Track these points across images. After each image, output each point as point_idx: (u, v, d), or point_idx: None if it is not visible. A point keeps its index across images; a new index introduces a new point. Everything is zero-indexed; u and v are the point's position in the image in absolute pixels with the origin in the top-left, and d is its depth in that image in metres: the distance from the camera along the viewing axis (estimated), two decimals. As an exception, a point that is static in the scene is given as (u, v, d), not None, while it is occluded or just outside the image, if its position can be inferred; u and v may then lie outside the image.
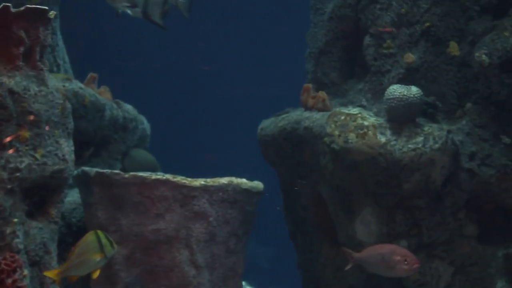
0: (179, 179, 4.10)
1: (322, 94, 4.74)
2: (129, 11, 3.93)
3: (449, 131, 4.27)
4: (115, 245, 3.59)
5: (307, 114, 4.73)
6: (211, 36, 8.09)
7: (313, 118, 4.61)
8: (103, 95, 5.34)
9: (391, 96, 4.25)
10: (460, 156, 4.30)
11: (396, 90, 4.25)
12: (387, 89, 4.32)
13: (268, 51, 7.98)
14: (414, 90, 4.26)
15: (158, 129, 6.04)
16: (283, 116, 4.93)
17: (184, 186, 4.08)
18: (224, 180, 4.19)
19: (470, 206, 4.36)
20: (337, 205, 4.56)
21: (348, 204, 4.48)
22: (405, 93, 4.22)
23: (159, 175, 4.09)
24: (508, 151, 4.32)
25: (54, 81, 3.76)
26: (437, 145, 4.19)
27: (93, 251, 3.52)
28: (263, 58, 8.06)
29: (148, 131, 5.63)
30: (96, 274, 3.56)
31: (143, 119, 5.56)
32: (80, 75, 5.42)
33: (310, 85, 4.86)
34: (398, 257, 3.93)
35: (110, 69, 7.48)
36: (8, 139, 3.44)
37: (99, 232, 3.58)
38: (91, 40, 7.72)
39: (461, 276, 4.37)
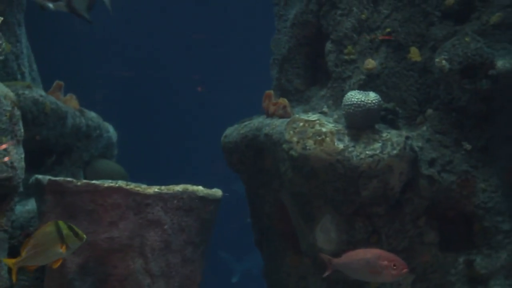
0: (132, 186, 4.05)
1: (283, 100, 4.70)
2: (50, 5, 3.86)
3: (408, 137, 4.22)
4: (83, 236, 3.57)
5: (267, 121, 4.69)
6: (177, 43, 8.05)
7: (273, 125, 4.57)
8: (68, 103, 5.30)
9: (349, 102, 4.20)
10: (419, 163, 4.25)
11: (354, 96, 4.20)
12: (345, 96, 4.27)
13: (236, 58, 7.94)
14: (372, 96, 4.21)
15: (128, 136, 6.00)
16: (246, 123, 4.88)
17: (137, 193, 4.03)
18: (179, 188, 4.13)
19: (431, 213, 4.31)
20: (298, 213, 4.51)
21: (308, 211, 4.42)
22: (362, 99, 4.18)
23: (112, 183, 4.03)
24: (469, 157, 4.28)
25: (2, 88, 3.71)
26: (395, 152, 4.14)
27: (52, 241, 3.50)
28: (232, 65, 8.03)
29: (115, 139, 5.58)
30: (56, 265, 3.56)
31: (108, 127, 5.51)
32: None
33: (272, 92, 4.81)
34: (385, 261, 3.80)
35: (82, 77, 7.46)
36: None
37: (60, 222, 3.56)
38: (63, 48, 7.68)
39: (421, 283, 4.32)
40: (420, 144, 4.28)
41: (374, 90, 4.44)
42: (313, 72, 4.93)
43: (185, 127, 8.01)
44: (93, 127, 5.22)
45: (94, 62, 7.81)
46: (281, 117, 4.64)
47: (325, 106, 4.68)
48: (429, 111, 4.39)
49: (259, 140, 4.67)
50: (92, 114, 5.31)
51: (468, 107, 4.25)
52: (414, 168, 4.23)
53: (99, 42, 7.77)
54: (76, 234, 3.56)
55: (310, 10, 4.79)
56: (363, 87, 4.51)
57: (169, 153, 7.92)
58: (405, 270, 3.79)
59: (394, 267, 3.78)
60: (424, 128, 4.37)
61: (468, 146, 4.29)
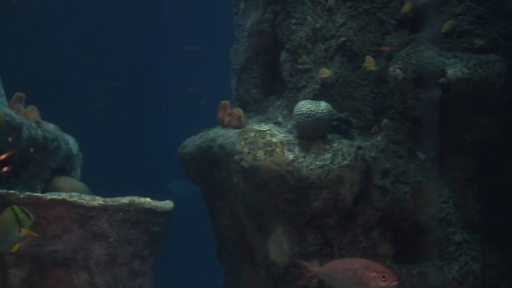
0: (76, 198, 3.98)
1: (238, 111, 4.64)
2: None
3: (359, 148, 4.15)
4: (31, 216, 3.62)
5: (222, 131, 4.63)
6: (142, 53, 8.01)
7: (227, 136, 4.51)
8: (29, 115, 5.23)
9: (299, 112, 4.14)
10: (372, 173, 4.18)
11: (304, 106, 4.15)
12: (296, 105, 4.21)
13: (201, 67, 7.89)
14: (322, 105, 4.15)
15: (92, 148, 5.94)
16: (202, 134, 4.83)
17: (81, 206, 3.96)
18: (125, 200, 4.07)
19: (385, 224, 4.24)
20: (251, 225, 4.44)
21: (260, 223, 4.36)
22: (312, 109, 4.12)
23: (55, 195, 3.97)
24: (423, 167, 4.22)
25: None
26: (345, 162, 4.07)
27: (12, 226, 3.56)
28: (198, 73, 7.98)
29: (75, 150, 5.51)
30: (15, 248, 3.61)
31: (68, 138, 5.44)
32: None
33: (227, 102, 4.76)
34: (374, 273, 3.60)
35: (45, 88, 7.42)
36: None
37: (16, 207, 3.61)
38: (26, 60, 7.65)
39: (375, 296, 4.23)
40: (373, 154, 4.22)
41: (328, 100, 4.39)
42: (271, 81, 4.88)
43: (152, 137, 7.94)
44: (50, 139, 5.15)
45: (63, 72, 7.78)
46: (235, 127, 4.58)
47: (280, 116, 4.63)
48: (385, 120, 4.33)
49: (214, 151, 4.62)
50: (50, 126, 5.24)
51: (422, 116, 4.19)
52: (366, 178, 4.16)
53: (62, 52, 7.74)
54: (28, 215, 3.62)
55: (265, 20, 4.74)
56: (317, 96, 4.46)
57: (134, 164, 7.85)
58: (395, 283, 3.59)
59: (383, 279, 3.61)
60: (379, 138, 4.31)
61: (422, 156, 4.22)
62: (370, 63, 4.42)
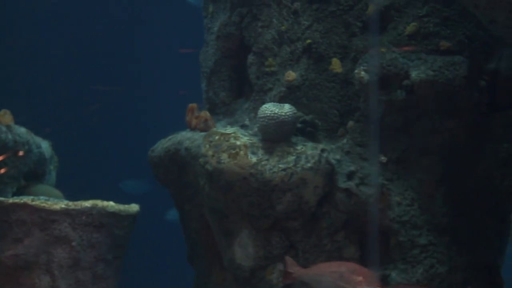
0: (38, 202, 3.97)
1: (205, 114, 4.64)
2: None
3: (323, 150, 4.15)
4: None
5: (189, 134, 4.63)
6: (114, 56, 7.99)
7: (193, 139, 4.51)
8: (2, 118, 5.23)
9: (262, 115, 4.14)
10: (336, 176, 4.17)
11: (268, 108, 4.14)
12: (260, 108, 4.21)
13: (175, 70, 7.87)
14: (286, 108, 4.15)
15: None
16: (170, 137, 4.82)
17: (43, 209, 3.96)
18: (88, 203, 4.06)
19: (351, 227, 4.22)
20: (217, 228, 4.43)
21: (226, 226, 4.35)
22: (276, 112, 4.11)
23: (17, 199, 3.96)
24: (384, 170, 4.21)
25: None
26: (309, 165, 4.06)
27: None
28: (170, 77, 7.96)
29: (48, 154, 5.49)
30: None
31: (40, 142, 5.42)
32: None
33: (195, 105, 4.75)
34: (360, 277, 3.56)
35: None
36: None
37: None
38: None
39: (339, 299, 4.22)
40: (338, 157, 4.21)
41: (295, 102, 4.39)
42: (239, 84, 4.87)
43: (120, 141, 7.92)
44: (21, 143, 5.13)
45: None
46: (202, 130, 4.58)
47: (247, 119, 4.62)
48: (350, 123, 4.33)
49: (181, 154, 4.61)
50: (21, 130, 5.22)
51: (384, 119, 4.18)
52: (330, 181, 4.15)
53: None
54: None
55: (232, 22, 4.73)
56: (283, 99, 4.45)
57: (107, 167, 7.82)
58: None
59: (367, 284, 3.58)
60: (345, 140, 4.31)
61: (383, 159, 4.21)
62: (336, 65, 4.42)
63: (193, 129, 4.66)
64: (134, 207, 4.32)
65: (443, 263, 4.16)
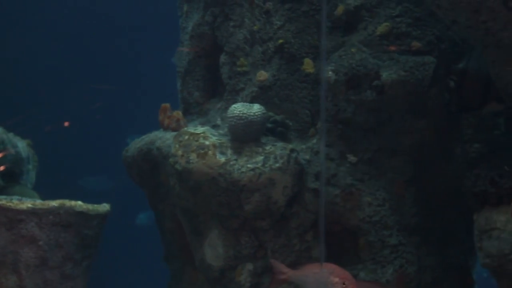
0: (4, 202, 3.96)
1: (177, 113, 4.64)
2: None
3: (292, 150, 4.14)
4: None
5: (161, 134, 4.63)
6: (92, 55, 7.98)
7: (165, 138, 4.50)
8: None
9: (231, 115, 4.13)
10: (306, 176, 4.17)
11: (237, 108, 4.14)
12: (229, 108, 4.20)
13: (155, 71, 7.85)
14: (255, 108, 4.14)
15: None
16: (143, 137, 4.81)
17: (9, 209, 3.94)
18: (55, 203, 4.05)
19: (318, 227, 4.22)
20: (188, 228, 4.44)
21: (196, 226, 4.35)
22: (244, 112, 4.11)
23: (-17, 199, 3.95)
24: (354, 170, 4.21)
25: None
26: (277, 165, 4.06)
27: None
28: (148, 77, 7.96)
29: (24, 154, 5.48)
30: None
31: (17, 141, 5.41)
32: None
33: (168, 105, 4.74)
34: (337, 278, 3.59)
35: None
36: None
37: None
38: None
39: (307, 299, 4.22)
40: (308, 157, 4.20)
41: (266, 102, 4.39)
42: (213, 84, 4.86)
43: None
44: (-4, 142, 5.13)
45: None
46: (174, 130, 4.57)
47: (219, 119, 4.61)
48: (319, 123, 4.32)
49: (153, 154, 4.61)
50: (-4, 129, 5.22)
51: (354, 119, 4.18)
52: (299, 181, 4.14)
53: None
54: None
55: (206, 22, 4.72)
56: (255, 99, 4.44)
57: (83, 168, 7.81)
58: None
59: (344, 285, 3.61)
60: (314, 140, 4.30)
61: (353, 159, 4.21)
62: (308, 65, 4.41)
63: (166, 128, 4.65)
64: (104, 207, 4.31)
65: (412, 263, 4.16)
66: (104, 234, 4.48)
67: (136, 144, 4.79)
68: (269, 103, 4.41)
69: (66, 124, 7.46)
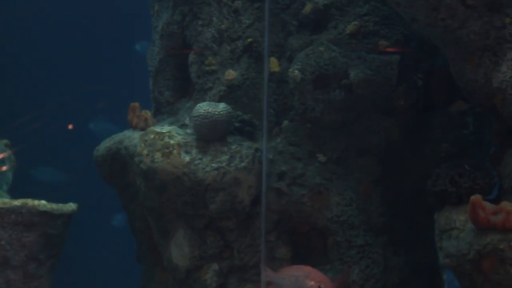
0: (-35, 201, 3.95)
1: (146, 113, 4.61)
2: None
3: (257, 150, 4.11)
4: None
5: (129, 133, 4.60)
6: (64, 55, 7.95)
7: (132, 138, 4.48)
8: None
9: (196, 114, 4.11)
10: (270, 176, 4.13)
11: (202, 107, 4.11)
12: (195, 107, 4.18)
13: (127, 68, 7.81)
14: (221, 107, 4.12)
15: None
16: (113, 136, 4.79)
17: (-30, 208, 3.93)
18: (17, 202, 4.03)
19: (282, 227, 4.19)
20: (155, 228, 4.41)
21: (162, 226, 4.32)
22: (209, 111, 4.08)
23: None
24: (323, 169, 4.18)
25: None
26: (242, 164, 4.03)
27: None
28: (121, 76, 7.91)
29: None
30: None
31: (-9, 142, 5.41)
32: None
33: (137, 104, 4.72)
34: (312, 282, 3.60)
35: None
36: None
37: None
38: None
39: (272, 299, 4.19)
40: (271, 156, 4.17)
41: (235, 101, 4.37)
42: (183, 84, 4.83)
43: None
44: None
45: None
46: (142, 129, 4.54)
47: (188, 118, 4.58)
48: (285, 122, 4.30)
49: (121, 154, 4.58)
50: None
51: (322, 118, 4.15)
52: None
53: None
54: None
55: (175, 21, 4.69)
56: (223, 98, 4.42)
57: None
58: None
59: None
60: (279, 140, 4.27)
61: (322, 158, 4.18)
62: (273, 64, 4.39)
63: (134, 128, 4.63)
64: (69, 206, 4.29)
65: (378, 263, 4.13)
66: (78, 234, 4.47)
67: (106, 143, 4.76)
68: (237, 102, 4.39)
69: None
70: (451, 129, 4.25)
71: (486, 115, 4.07)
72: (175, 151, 4.08)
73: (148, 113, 4.59)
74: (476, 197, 3.18)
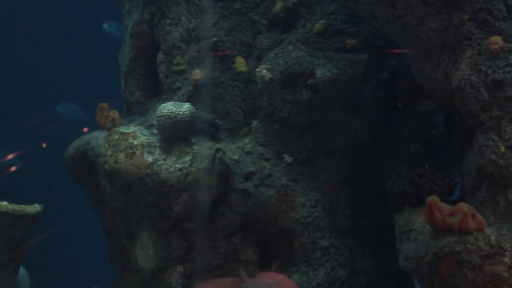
0: None
1: (113, 113, 4.55)
2: None
3: (218, 150, 4.05)
4: None
5: (96, 134, 4.55)
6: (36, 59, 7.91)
7: (99, 138, 4.43)
8: None
9: (160, 114, 4.06)
10: (233, 176, 4.07)
11: (165, 107, 4.06)
12: (159, 107, 4.13)
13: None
14: (185, 107, 4.06)
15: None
16: (82, 136, 4.74)
17: None
18: (-23, 203, 3.98)
19: (249, 229, 4.13)
20: (122, 229, 4.36)
21: (128, 227, 4.27)
22: (173, 111, 4.03)
23: None
24: (289, 170, 4.12)
25: None
26: (203, 165, 3.97)
27: None
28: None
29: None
30: None
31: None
32: None
33: (105, 104, 4.66)
34: None
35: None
36: None
37: None
38: None
39: (236, 302, 4.13)
40: (236, 157, 4.11)
41: (200, 101, 4.31)
42: (154, 83, 4.78)
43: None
44: None
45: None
46: (109, 130, 4.48)
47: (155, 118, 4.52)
48: (254, 122, 4.24)
49: (89, 154, 4.53)
50: None
51: (290, 118, 4.09)
52: (225, 182, 4.05)
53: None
54: None
55: (144, 20, 4.64)
56: (191, 98, 4.36)
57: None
58: None
59: None
60: (247, 140, 4.22)
61: (289, 159, 4.12)
62: (240, 64, 4.34)
63: (102, 128, 4.57)
64: (33, 208, 4.24)
65: (344, 266, 4.07)
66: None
67: (74, 144, 4.72)
68: (203, 102, 4.33)
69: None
70: (421, 129, 4.19)
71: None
72: (138, 152, 4.03)
73: (115, 114, 4.54)
74: (432, 198, 3.12)
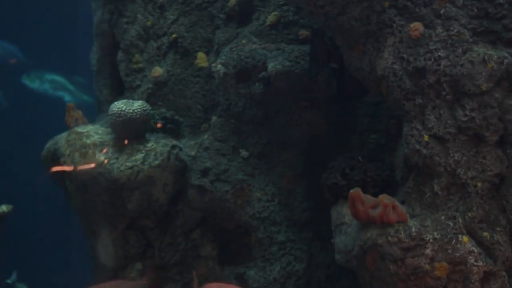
0: None
1: (77, 113, 4.58)
2: None
3: (174, 147, 4.05)
4: None
5: (64, 134, 4.58)
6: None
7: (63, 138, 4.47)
8: None
9: (111, 112, 4.07)
10: (190, 173, 4.07)
11: (116, 105, 4.07)
12: (110, 105, 4.14)
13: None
14: (136, 105, 4.06)
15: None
16: (54, 136, 4.79)
17: None
18: None
19: (207, 225, 4.12)
20: (84, 228, 4.39)
21: (89, 226, 4.30)
22: (123, 109, 4.03)
23: None
24: (245, 165, 4.09)
25: None
26: (156, 162, 3.97)
27: None
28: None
29: None
30: None
31: None
32: None
33: (72, 104, 4.70)
34: None
35: None
36: None
37: None
38: None
39: (195, 297, 4.12)
40: (193, 153, 4.10)
41: (162, 99, 4.33)
42: (121, 82, 4.79)
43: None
44: None
45: None
46: (73, 129, 4.53)
47: (119, 118, 4.54)
48: (214, 118, 4.22)
49: (57, 154, 4.57)
50: None
51: (244, 113, 4.06)
52: (181, 178, 4.05)
53: None
54: None
55: (104, 20, 4.66)
56: (151, 95, 4.38)
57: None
58: None
59: None
60: (206, 136, 4.20)
61: (245, 154, 4.09)
62: (201, 59, 4.32)
63: (69, 128, 4.61)
64: (3, 208, 4.30)
65: (301, 260, 4.02)
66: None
67: (48, 144, 4.76)
68: (164, 100, 4.34)
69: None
70: (379, 119, 4.10)
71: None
72: (90, 151, 4.05)
73: (79, 113, 4.56)
74: (355, 191, 3.05)
